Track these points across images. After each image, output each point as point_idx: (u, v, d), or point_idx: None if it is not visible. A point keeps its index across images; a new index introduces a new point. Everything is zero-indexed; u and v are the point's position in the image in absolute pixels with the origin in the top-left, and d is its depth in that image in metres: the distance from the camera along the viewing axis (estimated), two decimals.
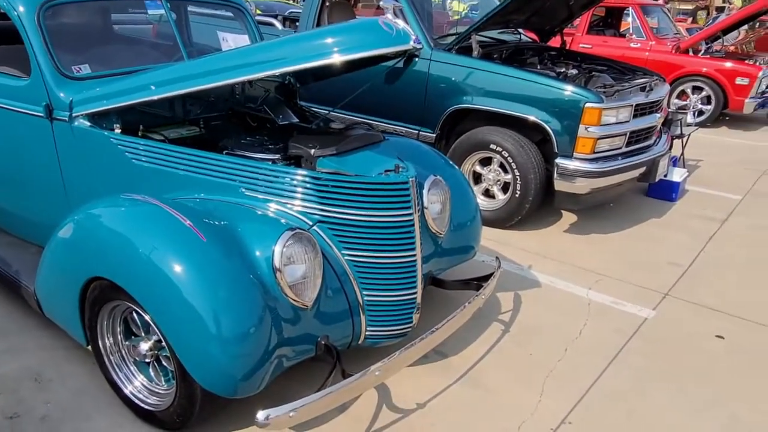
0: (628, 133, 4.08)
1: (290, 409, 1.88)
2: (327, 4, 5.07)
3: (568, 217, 4.58)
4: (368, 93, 4.45)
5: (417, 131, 4.56)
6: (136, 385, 2.26)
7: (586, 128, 3.85)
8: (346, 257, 2.26)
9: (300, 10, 7.91)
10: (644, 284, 3.57)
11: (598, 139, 3.88)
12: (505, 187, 4.25)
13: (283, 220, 2.16)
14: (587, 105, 3.79)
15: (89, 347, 2.34)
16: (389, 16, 2.10)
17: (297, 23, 6.01)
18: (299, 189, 2.23)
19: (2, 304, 3.00)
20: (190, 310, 1.88)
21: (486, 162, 4.31)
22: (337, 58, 2.03)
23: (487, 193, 4.34)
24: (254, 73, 2.18)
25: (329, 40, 2.06)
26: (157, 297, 1.93)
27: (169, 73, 2.40)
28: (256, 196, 2.27)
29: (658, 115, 4.44)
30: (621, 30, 9.62)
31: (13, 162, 2.82)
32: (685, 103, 8.30)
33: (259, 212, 2.22)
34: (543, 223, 4.44)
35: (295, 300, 2.05)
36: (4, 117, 2.69)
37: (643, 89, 4.26)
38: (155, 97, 2.35)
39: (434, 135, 4.47)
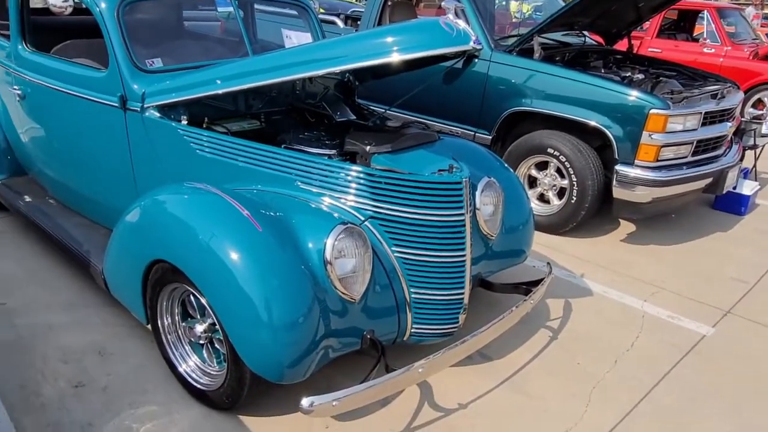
0: (695, 142, 3.92)
1: (334, 398, 1.93)
2: (389, 3, 5.10)
3: (626, 227, 4.45)
4: (425, 93, 4.49)
5: (473, 132, 4.54)
6: (190, 364, 2.37)
7: (649, 135, 3.73)
8: (395, 254, 2.29)
9: (362, 10, 8.02)
10: (704, 300, 3.43)
11: (662, 146, 3.75)
12: (560, 193, 4.17)
13: (335, 214, 2.21)
14: (652, 111, 3.67)
15: (149, 326, 2.48)
16: (450, 16, 2.11)
17: (359, 22, 6.09)
18: (353, 184, 2.28)
19: (73, 281, 3.20)
20: (243, 296, 1.96)
21: (542, 166, 4.24)
22: (396, 57, 2.06)
23: (542, 198, 4.27)
24: (316, 70, 2.24)
25: (389, 39, 2.09)
26: (213, 282, 2.02)
27: (235, 68, 2.50)
28: (310, 189, 2.34)
29: (730, 124, 4.24)
30: (694, 34, 9.22)
31: (88, 148, 3.00)
32: (761, 112, 7.88)
33: (313, 205, 2.28)
34: (598, 231, 4.33)
35: (343, 293, 2.10)
36: (83, 106, 2.87)
37: (714, 96, 4.09)
38: (221, 91, 2.46)
39: (490, 137, 4.44)
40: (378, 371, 2.14)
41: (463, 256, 2.33)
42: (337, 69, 2.20)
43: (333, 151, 2.56)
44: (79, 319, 2.89)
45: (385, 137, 2.47)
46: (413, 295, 2.31)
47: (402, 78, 3.07)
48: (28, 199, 3.54)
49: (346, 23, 6.06)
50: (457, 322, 2.41)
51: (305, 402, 1.91)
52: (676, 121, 3.75)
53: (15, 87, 3.29)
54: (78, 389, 2.41)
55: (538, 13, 9.21)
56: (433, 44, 2.06)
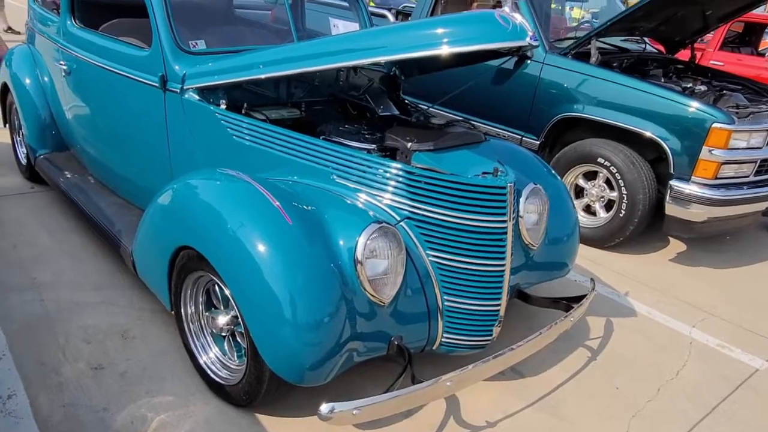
0: (758, 161, 3.66)
1: (355, 406, 1.82)
2: (442, 1, 4.97)
3: (676, 245, 4.20)
4: (472, 92, 4.34)
5: (520, 136, 4.36)
6: (210, 356, 2.30)
7: (710, 150, 3.49)
8: (430, 258, 2.16)
9: (415, 5, 7.89)
10: (758, 330, 3.19)
11: (723, 163, 3.50)
12: (608, 205, 3.96)
13: (370, 212, 2.10)
14: (715, 125, 3.43)
15: (173, 312, 2.42)
16: (506, 9, 1.97)
17: (409, 18, 5.97)
18: (391, 182, 2.16)
19: (104, 260, 3.19)
20: (267, 291, 1.87)
21: (591, 176, 4.04)
22: (446, 50, 1.94)
23: (588, 209, 4.07)
24: (362, 59, 2.13)
25: (440, 30, 1.97)
26: (237, 273, 1.94)
27: (277, 53, 2.41)
28: (346, 184, 2.23)
29: None
30: (760, 49, 8.76)
31: (127, 128, 2.97)
32: None
33: (348, 201, 2.17)
34: (646, 248, 4.10)
35: (372, 295, 1.99)
36: (124, 84, 2.84)
37: None
38: (262, 76, 2.37)
39: (538, 142, 4.25)
40: (404, 381, 2.02)
41: (503, 265, 2.18)
42: (384, 59, 2.08)
43: (373, 146, 2.45)
44: (106, 299, 2.86)
45: (428, 134, 2.35)
46: (446, 303, 2.18)
47: (449, 75, 2.94)
48: (67, 174, 3.56)
49: (396, 18, 5.93)
50: (491, 335, 2.27)
51: (324, 408, 1.81)
52: (740, 138, 3.50)
53: (61, 62, 3.30)
54: (97, 371, 2.37)
55: (595, 20, 8.91)
56: (486, 38, 1.92)
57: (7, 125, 4.37)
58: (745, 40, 8.82)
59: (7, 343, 2.48)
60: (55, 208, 3.78)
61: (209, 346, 2.31)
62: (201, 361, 2.29)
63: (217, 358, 2.29)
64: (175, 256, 2.25)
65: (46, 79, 3.78)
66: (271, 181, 2.23)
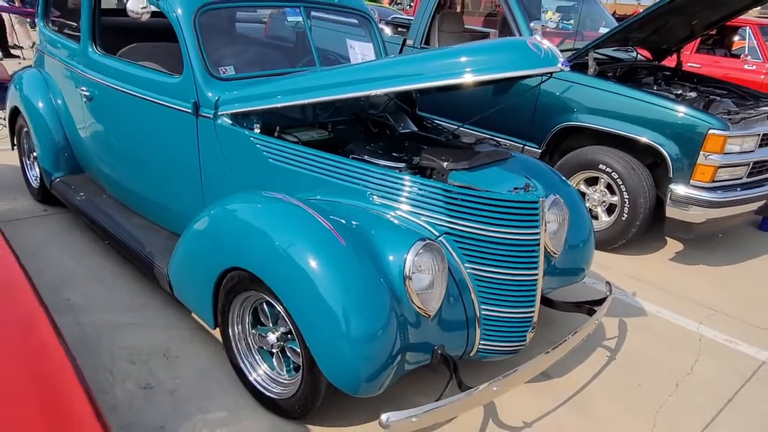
0: (751, 163, 3.88)
1: (413, 414, 1.94)
2: (438, 14, 5.12)
3: (673, 245, 4.41)
4: (475, 103, 4.49)
5: (522, 145, 4.53)
6: (260, 373, 2.39)
7: (706, 156, 3.69)
8: (468, 270, 2.29)
9: (401, 16, 8.03)
10: (761, 324, 3.39)
11: (719, 167, 3.71)
12: (609, 209, 4.15)
13: (414, 230, 2.22)
14: (711, 132, 3.64)
15: (215, 330, 2.50)
16: (537, 37, 2.10)
17: (400, 28, 6.10)
18: (429, 200, 2.28)
19: (131, 281, 3.25)
20: (326, 308, 1.98)
21: (592, 182, 4.22)
22: (483, 77, 2.06)
23: (590, 214, 4.24)
24: (400, 86, 2.23)
25: (476, 58, 2.09)
26: (297, 293, 2.04)
27: (314, 80, 2.52)
28: (384, 202, 2.35)
29: None
30: (732, 50, 9.12)
31: (156, 151, 3.04)
32: None
33: (389, 219, 2.29)
34: (646, 248, 4.30)
35: (420, 308, 2.11)
36: (154, 110, 2.91)
37: None
38: (299, 102, 2.48)
39: (540, 151, 4.42)
40: (451, 388, 2.14)
41: (536, 274, 2.32)
42: (424, 86, 2.19)
43: (402, 164, 2.57)
44: (141, 320, 2.93)
45: (461, 154, 2.48)
46: (483, 312, 2.31)
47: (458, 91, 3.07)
48: (86, 197, 3.60)
49: (396, 30, 6.05)
50: (525, 340, 2.41)
51: (384, 417, 1.92)
52: (734, 143, 3.72)
53: (82, 88, 3.35)
54: (147, 391, 2.44)
55: (565, 22, 9.16)
56: (521, 65, 2.05)
57: (15, 148, 4.38)
58: (718, 42, 9.18)
59: None
60: (73, 230, 3.82)
61: (258, 363, 2.40)
62: (251, 379, 2.38)
63: (267, 374, 2.38)
64: (221, 277, 2.34)
65: (59, 102, 3.83)
66: (314, 201, 2.34)
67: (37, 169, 4.00)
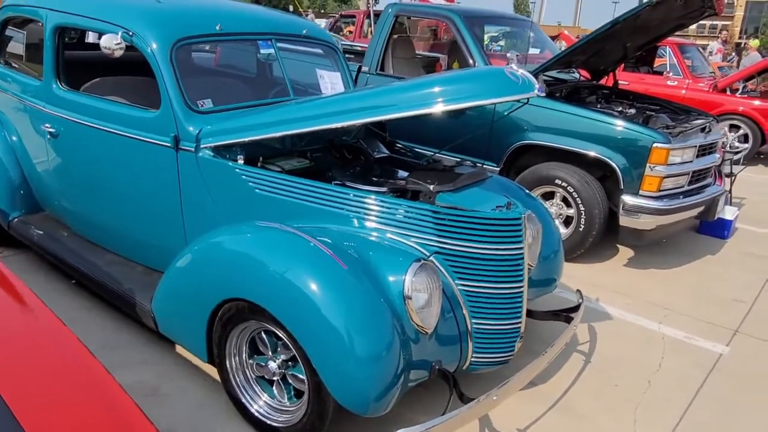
0: (690, 173, 4.23)
1: (424, 428, 2.00)
2: (392, 38, 5.30)
3: (625, 252, 4.70)
4: (434, 125, 4.66)
5: (481, 164, 4.72)
6: (260, 404, 2.39)
7: (652, 167, 4.00)
8: (459, 286, 2.40)
9: (349, 43, 8.19)
10: (713, 320, 3.67)
11: (664, 177, 4.02)
12: (566, 221, 4.39)
13: (409, 251, 2.31)
14: (655, 145, 3.95)
15: (204, 364, 2.48)
16: (513, 66, 2.27)
17: (348, 55, 6.24)
18: (419, 221, 2.38)
19: (105, 320, 3.15)
20: (332, 331, 2.03)
21: (548, 196, 4.46)
22: (461, 105, 2.20)
23: None
24: (379, 116, 2.34)
25: (454, 87, 2.25)
26: (301, 318, 2.08)
27: (294, 113, 2.60)
28: (374, 226, 2.43)
29: (718, 155, 4.58)
30: (655, 67, 9.82)
31: (132, 187, 3.00)
32: (745, 145, 8.37)
33: (382, 242, 2.37)
34: (601, 257, 4.56)
35: (419, 326, 2.19)
36: (128, 145, 2.88)
37: (702, 130, 4.42)
38: (284, 134, 2.54)
39: (498, 169, 4.64)
40: (453, 402, 2.23)
41: (522, 286, 2.46)
42: (401, 115, 2.29)
43: (383, 188, 2.67)
44: (122, 359, 2.85)
45: (445, 176, 2.60)
46: (474, 325, 2.43)
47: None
48: (49, 235, 3.48)
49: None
50: (513, 350, 2.53)
51: None
52: (676, 154, 4.04)
53: (46, 125, 3.26)
54: None
55: (494, 43, 9.66)
56: (499, 92, 2.21)
57: None
58: (641, 60, 9.86)
59: None
60: (33, 270, 3.67)
61: (258, 394, 2.40)
62: (253, 410, 2.38)
63: (268, 404, 2.38)
64: (216, 309, 2.35)
65: (14, 139, 3.70)
66: (306, 228, 2.40)
67: None
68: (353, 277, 2.13)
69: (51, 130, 3.25)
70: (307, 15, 19.30)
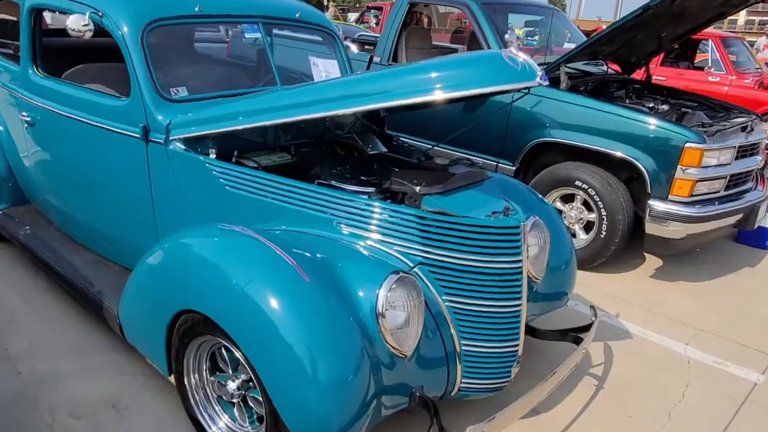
0: (728, 176, 3.81)
1: None
2: (405, 30, 5.00)
3: (652, 261, 4.31)
4: (446, 121, 4.35)
5: (495, 163, 4.39)
6: (220, 425, 2.15)
7: (683, 170, 3.60)
8: (446, 302, 2.10)
9: (367, 33, 7.92)
10: (747, 342, 3.28)
11: (697, 181, 3.62)
12: (587, 226, 4.03)
13: (387, 262, 2.02)
14: (688, 145, 3.55)
15: (171, 377, 2.26)
16: (513, 49, 1.95)
17: (367, 46, 5.98)
18: (401, 227, 2.10)
19: (82, 321, 2.97)
20: (288, 352, 1.76)
21: (568, 199, 4.10)
22: (456, 94, 1.90)
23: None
24: (364, 105, 2.06)
25: (448, 73, 1.93)
26: (255, 337, 1.82)
27: (273, 101, 2.33)
28: (353, 231, 2.15)
29: (760, 157, 4.14)
30: (695, 62, 9.25)
31: (103, 180, 2.80)
32: None
33: (359, 251, 2.09)
34: (625, 265, 4.18)
35: (394, 348, 1.91)
36: (99, 136, 2.67)
37: (743, 129, 3.99)
38: (258, 124, 2.28)
39: (514, 168, 4.30)
40: None
41: (519, 305, 2.15)
42: (391, 104, 2.02)
43: (371, 189, 2.39)
44: (89, 366, 2.66)
45: (434, 177, 2.30)
46: (464, 347, 2.13)
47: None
48: (31, 231, 3.32)
49: (362, 47, 5.91)
50: (509, 376, 2.22)
51: None
52: (712, 156, 3.64)
53: (23, 113, 3.09)
54: None
55: (530, 38, 9.21)
56: (498, 80, 1.90)
57: None
58: (681, 55, 9.31)
59: None
60: (20, 266, 3.51)
61: (218, 415, 2.16)
62: None
63: (228, 426, 2.14)
64: (174, 320, 2.11)
65: (1, 128, 3.55)
66: (275, 232, 2.14)
67: None
68: (316, 290, 1.85)
69: (27, 118, 3.08)
70: (328, 8, 18.94)
